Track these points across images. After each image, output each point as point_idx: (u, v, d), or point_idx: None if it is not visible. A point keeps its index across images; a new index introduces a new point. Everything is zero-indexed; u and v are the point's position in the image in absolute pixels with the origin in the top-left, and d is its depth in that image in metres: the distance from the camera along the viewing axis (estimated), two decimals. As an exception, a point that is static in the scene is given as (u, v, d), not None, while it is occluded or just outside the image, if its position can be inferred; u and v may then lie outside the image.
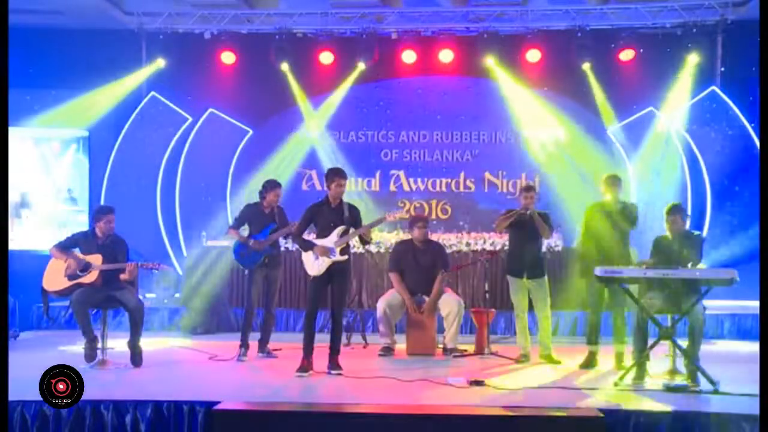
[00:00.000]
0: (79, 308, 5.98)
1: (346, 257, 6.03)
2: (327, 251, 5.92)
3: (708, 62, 9.53)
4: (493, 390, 5.19)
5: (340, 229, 5.96)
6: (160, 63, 9.95)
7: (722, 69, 9.54)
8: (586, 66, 9.69)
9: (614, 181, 6.30)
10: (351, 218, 6.02)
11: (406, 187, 10.22)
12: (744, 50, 8.97)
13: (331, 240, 5.95)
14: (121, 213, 6.39)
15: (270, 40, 9.98)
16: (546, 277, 6.60)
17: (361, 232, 6.00)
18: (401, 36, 10.11)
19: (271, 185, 6.77)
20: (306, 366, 5.87)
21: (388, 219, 6.11)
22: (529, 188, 6.67)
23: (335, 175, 5.96)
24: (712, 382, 5.15)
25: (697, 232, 6.13)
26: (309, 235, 6.11)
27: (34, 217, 9.79)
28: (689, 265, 5.54)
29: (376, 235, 8.66)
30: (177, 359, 6.62)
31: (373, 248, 8.78)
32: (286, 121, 10.19)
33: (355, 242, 6.30)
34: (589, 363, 6.26)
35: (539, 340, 6.61)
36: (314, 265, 5.97)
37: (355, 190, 10.03)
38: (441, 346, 6.92)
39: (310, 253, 5.97)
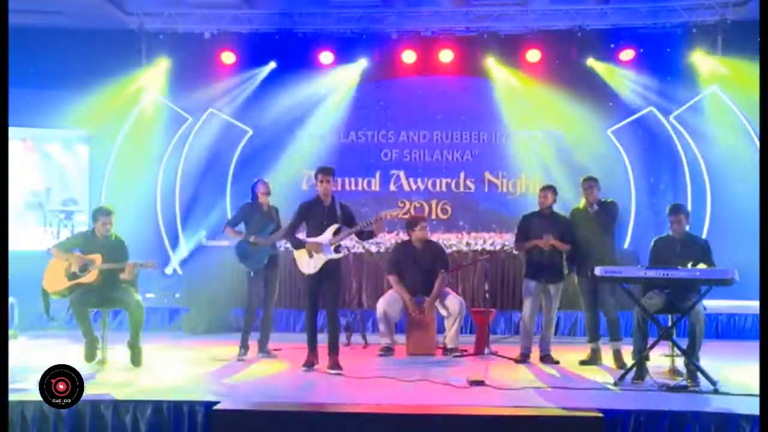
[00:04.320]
0: (79, 308, 5.99)
1: (340, 255, 6.09)
2: (321, 249, 5.94)
3: (708, 62, 9.53)
4: (493, 390, 5.19)
5: (333, 227, 6.00)
6: (160, 63, 9.96)
7: (722, 69, 9.53)
8: (590, 63, 9.69)
9: (590, 184, 6.35)
10: (344, 216, 6.07)
11: (406, 187, 10.21)
12: (744, 50, 8.97)
13: (326, 238, 5.98)
14: (121, 213, 6.39)
15: (270, 40, 9.98)
16: (562, 282, 6.60)
17: (354, 231, 6.05)
18: (401, 36, 10.11)
19: (259, 182, 6.87)
20: (311, 361, 5.97)
21: (384, 217, 6.12)
22: (545, 187, 6.66)
23: (319, 172, 6.03)
24: (712, 382, 5.15)
25: (703, 239, 6.12)
26: (301, 233, 6.14)
27: (35, 218, 9.81)
28: (689, 264, 5.55)
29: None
30: (177, 359, 6.62)
31: (373, 248, 8.78)
32: (286, 121, 10.17)
33: (355, 242, 6.31)
34: (592, 359, 6.35)
35: (540, 340, 6.62)
36: (309, 263, 5.99)
37: (355, 190, 10.05)
38: (441, 346, 6.92)
39: (303, 251, 6.00)
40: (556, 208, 6.65)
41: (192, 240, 9.56)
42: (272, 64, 10.05)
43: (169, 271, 9.69)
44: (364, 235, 6.19)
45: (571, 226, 6.51)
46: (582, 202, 6.46)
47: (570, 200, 8.85)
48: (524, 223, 6.66)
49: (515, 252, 7.24)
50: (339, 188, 9.90)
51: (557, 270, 6.54)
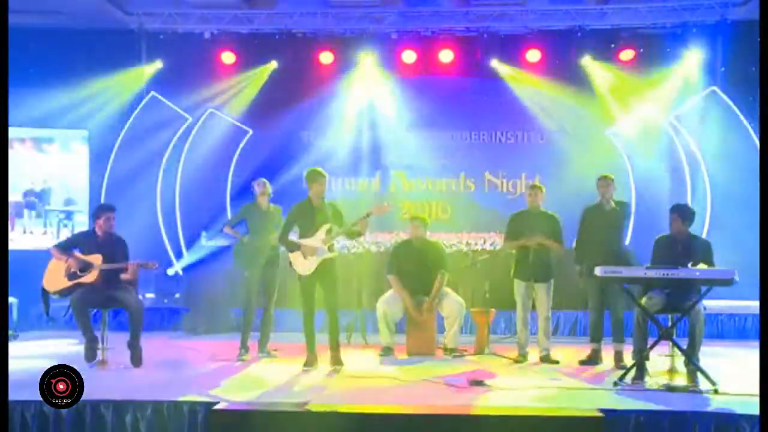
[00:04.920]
0: (79, 308, 5.98)
1: (334, 254, 6.15)
2: (316, 250, 5.97)
3: (708, 62, 9.54)
4: (493, 390, 5.19)
5: (326, 227, 6.03)
6: (159, 64, 9.95)
7: (722, 69, 9.54)
8: (588, 62, 9.69)
9: (606, 182, 6.35)
10: (335, 216, 6.11)
11: (406, 187, 10.21)
12: (744, 50, 8.97)
13: (319, 239, 6.02)
14: (121, 213, 6.39)
15: (270, 40, 9.98)
16: (552, 281, 6.62)
17: (346, 230, 6.09)
18: (401, 36, 10.11)
19: (256, 182, 6.85)
20: (312, 360, 6.03)
21: (374, 213, 6.14)
22: (534, 186, 6.70)
23: (317, 174, 6.08)
24: (712, 382, 5.15)
25: (704, 239, 6.11)
26: (293, 235, 6.17)
27: (35, 218, 9.81)
28: (690, 264, 5.54)
29: (375, 235, 8.66)
30: (177, 359, 6.63)
31: (373, 248, 8.78)
32: (286, 121, 10.17)
33: (355, 242, 6.32)
34: (592, 359, 6.34)
35: (538, 340, 6.62)
36: (304, 264, 6.03)
37: (355, 190, 10.05)
38: (441, 346, 6.92)
39: (297, 253, 6.04)
40: (554, 206, 6.67)
41: (196, 252, 9.55)
42: (272, 64, 10.05)
43: (170, 272, 9.70)
44: (353, 234, 6.22)
45: (560, 225, 6.60)
46: (597, 201, 6.44)
47: (568, 200, 8.84)
48: (513, 222, 6.71)
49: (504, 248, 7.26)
50: (339, 188, 9.92)
51: (545, 269, 6.57)
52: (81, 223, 9.54)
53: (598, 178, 6.46)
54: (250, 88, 10.09)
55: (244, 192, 9.48)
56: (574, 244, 6.69)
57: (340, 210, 6.21)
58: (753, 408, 4.41)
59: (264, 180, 6.90)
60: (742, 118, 9.42)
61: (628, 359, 5.94)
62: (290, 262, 6.14)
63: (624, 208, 6.45)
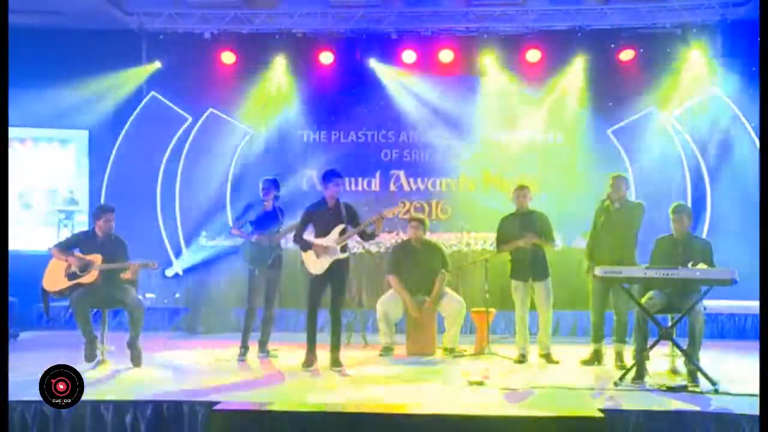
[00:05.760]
0: (79, 308, 5.98)
1: (346, 255, 6.17)
2: (328, 250, 5.98)
3: (708, 62, 9.53)
4: (493, 390, 5.19)
5: (339, 227, 6.07)
6: (159, 64, 9.95)
7: (722, 69, 9.53)
8: (585, 64, 9.69)
9: (614, 182, 6.32)
10: (349, 217, 6.15)
11: (406, 187, 10.20)
12: (744, 50, 8.97)
13: (332, 239, 6.06)
14: (121, 213, 6.40)
15: (270, 40, 9.98)
16: (549, 278, 6.62)
17: (359, 230, 6.13)
18: (401, 36, 10.11)
19: (269, 184, 6.80)
20: (311, 360, 6.05)
21: (386, 215, 6.16)
22: (521, 187, 6.69)
23: (333, 175, 6.13)
24: (712, 382, 5.15)
25: (704, 239, 6.10)
26: (308, 235, 6.19)
27: (34, 218, 9.81)
28: (690, 264, 5.54)
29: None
30: (177, 359, 6.63)
31: (373, 248, 8.78)
32: (286, 121, 10.17)
33: (355, 242, 6.35)
34: (593, 359, 6.33)
35: (538, 340, 6.62)
36: (316, 263, 6.06)
37: (355, 190, 10.04)
38: (441, 346, 6.92)
39: (311, 252, 6.06)
40: (555, 205, 6.67)
41: (196, 252, 9.56)
42: (272, 64, 10.03)
43: (170, 273, 9.70)
44: (367, 235, 6.25)
45: (550, 222, 6.63)
46: (607, 200, 6.36)
47: (569, 199, 8.82)
48: (503, 225, 6.71)
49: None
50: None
51: (541, 268, 6.57)
52: (81, 223, 9.54)
53: (611, 176, 6.35)
54: (250, 88, 10.08)
55: (244, 192, 9.50)
56: (573, 243, 6.69)
57: (355, 210, 6.26)
58: (753, 408, 4.41)
59: (270, 181, 6.87)
60: (742, 118, 9.42)
61: (629, 359, 5.94)
62: (297, 261, 6.17)
63: (632, 208, 6.31)
